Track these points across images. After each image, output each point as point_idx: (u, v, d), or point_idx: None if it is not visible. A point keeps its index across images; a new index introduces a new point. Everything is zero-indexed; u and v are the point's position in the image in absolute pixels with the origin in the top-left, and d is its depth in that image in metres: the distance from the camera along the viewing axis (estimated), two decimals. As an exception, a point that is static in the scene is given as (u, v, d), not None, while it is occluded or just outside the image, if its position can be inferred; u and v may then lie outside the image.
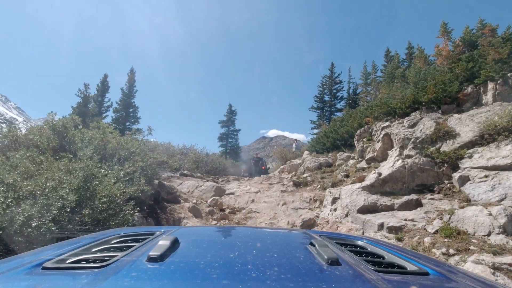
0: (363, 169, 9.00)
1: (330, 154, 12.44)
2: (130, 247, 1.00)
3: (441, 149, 7.19)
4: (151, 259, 0.79)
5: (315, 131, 31.86)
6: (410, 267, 0.92)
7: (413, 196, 6.38)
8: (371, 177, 7.36)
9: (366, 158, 9.53)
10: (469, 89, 8.60)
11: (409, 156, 7.38)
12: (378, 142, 9.32)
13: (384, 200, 6.61)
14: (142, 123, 24.01)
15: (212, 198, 10.17)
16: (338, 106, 32.17)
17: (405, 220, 5.86)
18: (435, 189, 6.59)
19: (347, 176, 9.43)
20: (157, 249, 0.85)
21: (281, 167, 16.91)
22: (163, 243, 0.91)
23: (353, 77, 30.60)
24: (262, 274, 0.74)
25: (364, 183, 7.32)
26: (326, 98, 32.81)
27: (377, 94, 13.49)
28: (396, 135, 8.26)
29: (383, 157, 8.87)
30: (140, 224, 5.56)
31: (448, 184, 6.50)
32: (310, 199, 8.83)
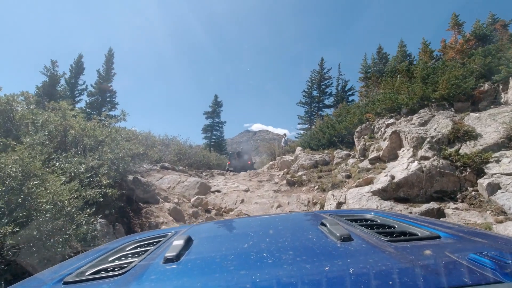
0: (368, 169, 8.09)
1: (326, 151, 11.49)
2: (145, 251, 1.00)
3: (461, 151, 6.36)
4: (168, 260, 0.79)
5: (302, 126, 31.26)
6: (422, 232, 0.91)
7: (434, 205, 5.50)
8: (382, 180, 6.44)
9: (369, 158, 8.64)
10: (486, 86, 7.84)
11: (425, 158, 6.51)
12: (384, 140, 8.43)
13: (400, 208, 5.70)
14: (120, 110, 22.23)
15: (196, 196, 8.97)
16: (326, 102, 31.66)
17: (429, 233, 4.97)
18: (457, 196, 5.75)
19: (348, 176, 8.50)
20: (172, 249, 0.85)
21: (271, 163, 15.88)
22: (177, 243, 0.91)
23: (342, 73, 29.89)
24: (278, 259, 0.74)
25: (375, 187, 6.38)
26: (315, 93, 32.13)
27: (376, 89, 12.64)
28: (408, 133, 7.37)
29: (390, 157, 8.00)
30: (104, 235, 4.30)
31: (473, 192, 5.67)
32: (309, 202, 7.84)
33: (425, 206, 5.53)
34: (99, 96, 18.39)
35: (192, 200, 8.76)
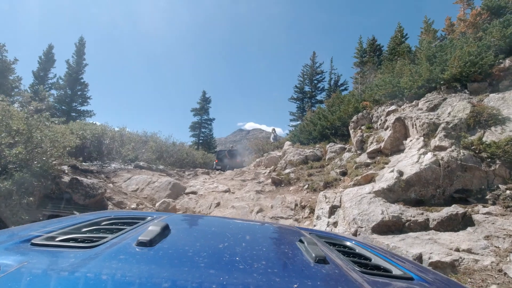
0: (367, 165, 6.72)
1: (318, 145, 10.10)
2: (120, 230, 0.97)
3: (485, 139, 5.03)
4: (141, 244, 0.77)
5: (294, 123, 30.04)
6: (395, 271, 0.89)
7: (457, 209, 4.14)
8: (387, 178, 5.06)
9: (368, 151, 7.27)
10: (507, 62, 6.54)
11: (441, 148, 5.16)
12: (386, 129, 7.07)
13: (412, 213, 4.33)
14: (94, 105, 20.50)
15: (163, 200, 7.51)
16: (319, 97, 30.66)
17: (457, 250, 3.59)
18: (487, 197, 4.40)
19: (344, 173, 7.12)
20: (147, 234, 0.82)
21: (257, 160, 14.43)
22: (153, 228, 0.88)
23: (335, 68, 28.73)
24: (249, 266, 0.72)
25: (377, 186, 5.01)
26: (307, 88, 31.12)
27: (372, 76, 11.32)
28: (416, 119, 6.01)
29: (393, 149, 6.64)
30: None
31: (508, 191, 4.33)
32: (296, 205, 6.43)
33: (445, 211, 4.17)
34: (69, 89, 16.58)
35: (157, 204, 7.28)
